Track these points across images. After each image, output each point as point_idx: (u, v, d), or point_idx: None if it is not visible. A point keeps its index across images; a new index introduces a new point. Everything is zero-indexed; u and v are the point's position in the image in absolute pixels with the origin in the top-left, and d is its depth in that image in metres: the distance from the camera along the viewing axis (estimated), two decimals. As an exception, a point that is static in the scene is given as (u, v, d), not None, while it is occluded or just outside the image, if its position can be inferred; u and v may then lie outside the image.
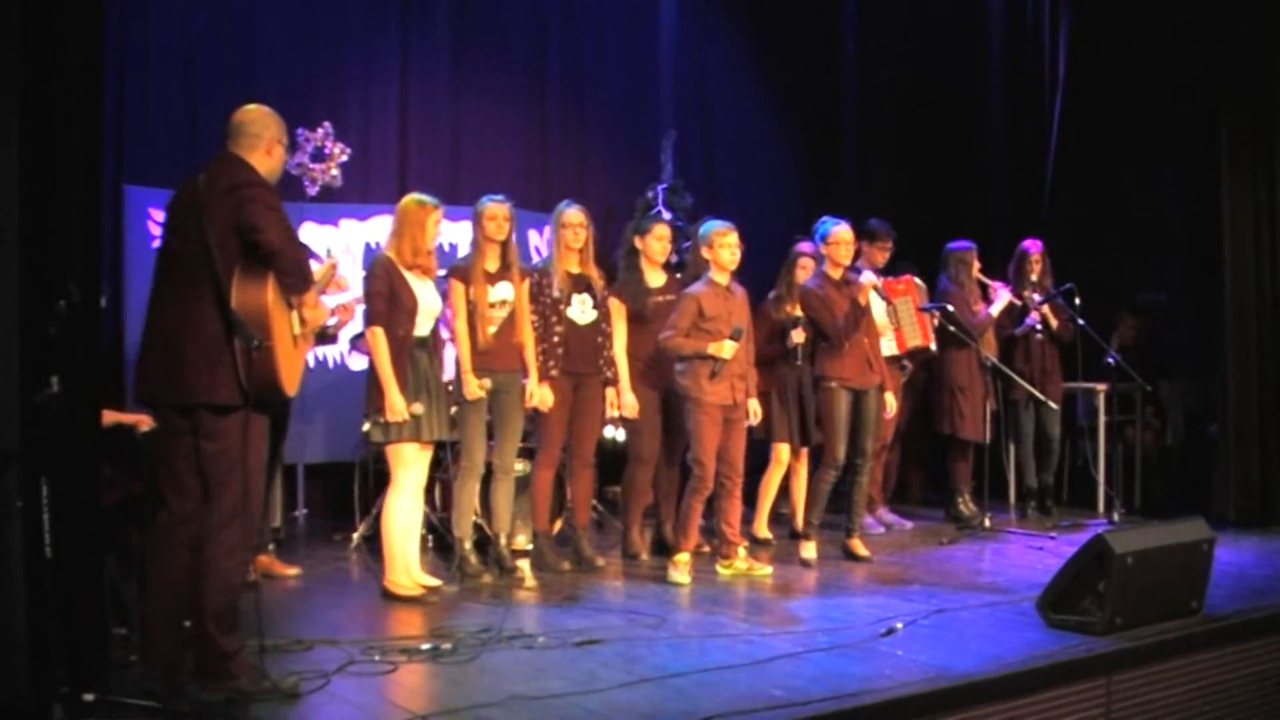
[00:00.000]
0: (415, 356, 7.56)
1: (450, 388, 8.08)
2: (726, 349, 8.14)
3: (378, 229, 10.44)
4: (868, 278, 8.90)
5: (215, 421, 5.41)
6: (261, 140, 5.65)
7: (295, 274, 5.51)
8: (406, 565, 7.65)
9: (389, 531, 7.60)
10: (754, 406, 8.58)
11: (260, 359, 5.33)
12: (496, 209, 8.24)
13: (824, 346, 8.88)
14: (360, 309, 8.20)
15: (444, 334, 8.34)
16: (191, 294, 5.37)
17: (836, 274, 8.87)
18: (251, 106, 5.76)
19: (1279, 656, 6.99)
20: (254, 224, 5.31)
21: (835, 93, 13.98)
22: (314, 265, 6.82)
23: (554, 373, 8.47)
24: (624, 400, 8.75)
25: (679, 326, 8.21)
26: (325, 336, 8.66)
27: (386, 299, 7.49)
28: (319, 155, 10.03)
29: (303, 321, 5.70)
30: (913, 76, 13.50)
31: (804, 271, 9.41)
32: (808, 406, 9.43)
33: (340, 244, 10.50)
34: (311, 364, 10.24)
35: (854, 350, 8.83)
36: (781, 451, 9.72)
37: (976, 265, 10.57)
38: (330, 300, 8.10)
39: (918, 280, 10.19)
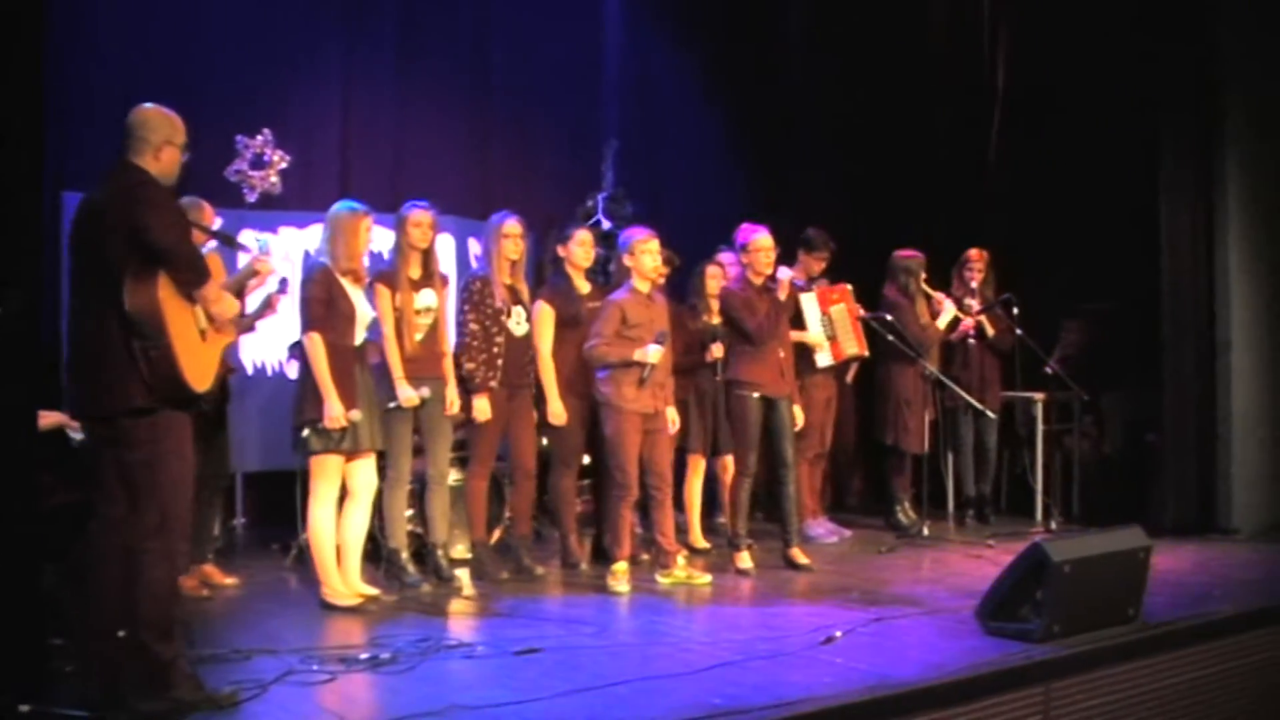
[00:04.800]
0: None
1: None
2: (652, 354, 8.16)
3: (317, 237, 10.37)
4: (784, 273, 8.91)
5: (133, 429, 5.36)
6: (149, 143, 5.56)
7: (186, 270, 5.43)
8: (343, 574, 7.63)
9: (316, 542, 7.59)
10: (671, 415, 8.60)
11: (159, 359, 5.26)
12: (421, 216, 8.24)
13: (740, 350, 8.90)
14: (284, 301, 8.17)
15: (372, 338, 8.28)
16: (94, 303, 5.33)
17: (758, 281, 8.89)
18: (144, 107, 5.67)
19: (1215, 663, 7.05)
20: (140, 223, 5.25)
21: (779, 103, 13.99)
22: (244, 258, 6.79)
23: (493, 384, 8.45)
24: (551, 409, 8.71)
25: (604, 334, 8.21)
26: (245, 326, 8.57)
27: (324, 304, 7.48)
28: (258, 162, 9.99)
29: (209, 317, 5.63)
30: (856, 86, 13.49)
31: (714, 280, 9.44)
32: (723, 416, 9.39)
33: (280, 250, 10.44)
34: (249, 371, 10.19)
35: (769, 357, 8.87)
36: (697, 461, 9.73)
37: (923, 275, 10.61)
38: (254, 299, 8.07)
39: (848, 287, 10.22)
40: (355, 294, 7.64)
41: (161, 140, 5.60)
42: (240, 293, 7.62)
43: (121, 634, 5.40)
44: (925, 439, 10.60)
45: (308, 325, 7.53)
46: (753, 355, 8.84)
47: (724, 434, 9.29)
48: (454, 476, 8.76)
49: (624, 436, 8.21)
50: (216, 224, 8.29)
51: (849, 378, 10.89)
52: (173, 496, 5.46)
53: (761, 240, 8.86)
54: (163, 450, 5.39)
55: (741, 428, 8.88)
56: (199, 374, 5.47)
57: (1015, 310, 10.47)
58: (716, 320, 9.21)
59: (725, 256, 9.61)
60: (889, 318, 10.12)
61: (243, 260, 7.57)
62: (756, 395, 8.82)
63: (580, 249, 8.94)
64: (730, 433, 9.14)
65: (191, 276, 5.47)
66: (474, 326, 8.45)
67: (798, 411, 9.27)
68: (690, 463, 9.66)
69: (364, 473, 7.73)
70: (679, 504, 9.33)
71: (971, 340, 10.76)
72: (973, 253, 11.07)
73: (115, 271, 5.26)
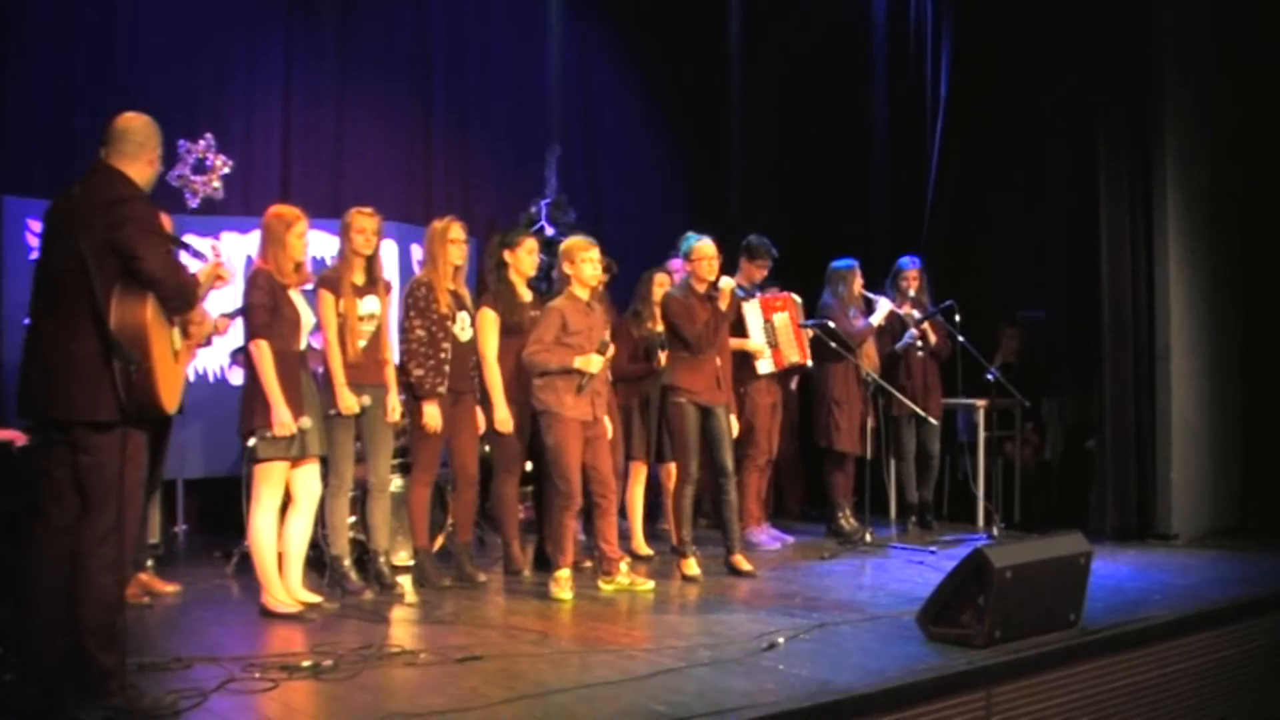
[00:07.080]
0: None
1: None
2: (594, 363, 8.14)
3: (259, 242, 10.35)
4: (725, 282, 8.89)
5: (94, 437, 5.33)
6: (145, 150, 5.59)
7: (176, 298, 5.47)
8: (285, 581, 7.59)
9: (258, 549, 7.53)
10: (607, 421, 8.58)
11: (139, 379, 5.25)
12: (365, 222, 8.17)
13: (678, 357, 8.87)
14: (235, 323, 8.12)
15: (315, 345, 8.20)
16: (69, 311, 5.28)
17: (701, 288, 8.88)
18: (134, 115, 5.67)
19: (1155, 668, 7.08)
20: (132, 251, 5.24)
21: (720, 109, 14.04)
22: (198, 265, 6.75)
23: (441, 390, 8.40)
24: (498, 415, 8.68)
25: (543, 340, 8.17)
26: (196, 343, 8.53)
27: (269, 310, 7.42)
28: (200, 167, 9.91)
29: (186, 335, 5.63)
30: (797, 94, 13.57)
31: (660, 288, 9.45)
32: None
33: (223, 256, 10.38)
34: (191, 378, 10.13)
35: (706, 365, 8.85)
36: (639, 468, 9.73)
37: (859, 282, 10.62)
38: (214, 308, 8.01)
39: (795, 297, 10.22)
40: (296, 299, 7.60)
41: (154, 151, 5.67)
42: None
43: (65, 641, 5.36)
44: (861, 440, 10.61)
45: (253, 332, 7.46)
46: (689, 363, 8.83)
47: (667, 441, 9.31)
48: (395, 483, 8.73)
49: (565, 444, 8.18)
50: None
51: (792, 385, 10.90)
52: (126, 502, 5.42)
53: (705, 248, 8.85)
54: (123, 457, 5.36)
55: (679, 435, 8.87)
56: (172, 394, 5.51)
57: (957, 317, 10.49)
58: (661, 328, 9.22)
59: (675, 264, 9.61)
60: (831, 325, 10.13)
61: (194, 266, 7.53)
62: (692, 402, 8.82)
63: (529, 257, 8.90)
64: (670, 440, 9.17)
65: (180, 304, 5.53)
66: (420, 333, 8.39)
67: (733, 420, 9.28)
68: (632, 469, 9.68)
69: (308, 479, 7.70)
70: (622, 511, 9.31)
71: (919, 350, 10.79)
72: (904, 261, 11.09)
73: (93, 282, 5.23)
